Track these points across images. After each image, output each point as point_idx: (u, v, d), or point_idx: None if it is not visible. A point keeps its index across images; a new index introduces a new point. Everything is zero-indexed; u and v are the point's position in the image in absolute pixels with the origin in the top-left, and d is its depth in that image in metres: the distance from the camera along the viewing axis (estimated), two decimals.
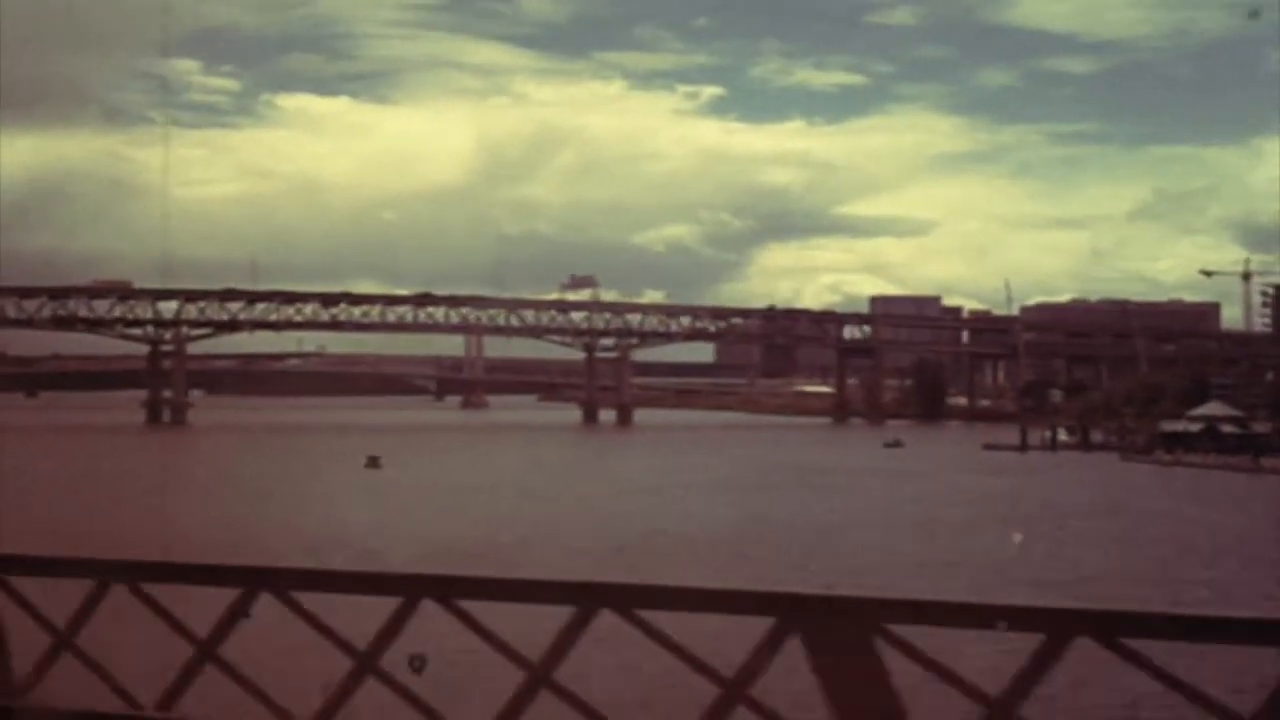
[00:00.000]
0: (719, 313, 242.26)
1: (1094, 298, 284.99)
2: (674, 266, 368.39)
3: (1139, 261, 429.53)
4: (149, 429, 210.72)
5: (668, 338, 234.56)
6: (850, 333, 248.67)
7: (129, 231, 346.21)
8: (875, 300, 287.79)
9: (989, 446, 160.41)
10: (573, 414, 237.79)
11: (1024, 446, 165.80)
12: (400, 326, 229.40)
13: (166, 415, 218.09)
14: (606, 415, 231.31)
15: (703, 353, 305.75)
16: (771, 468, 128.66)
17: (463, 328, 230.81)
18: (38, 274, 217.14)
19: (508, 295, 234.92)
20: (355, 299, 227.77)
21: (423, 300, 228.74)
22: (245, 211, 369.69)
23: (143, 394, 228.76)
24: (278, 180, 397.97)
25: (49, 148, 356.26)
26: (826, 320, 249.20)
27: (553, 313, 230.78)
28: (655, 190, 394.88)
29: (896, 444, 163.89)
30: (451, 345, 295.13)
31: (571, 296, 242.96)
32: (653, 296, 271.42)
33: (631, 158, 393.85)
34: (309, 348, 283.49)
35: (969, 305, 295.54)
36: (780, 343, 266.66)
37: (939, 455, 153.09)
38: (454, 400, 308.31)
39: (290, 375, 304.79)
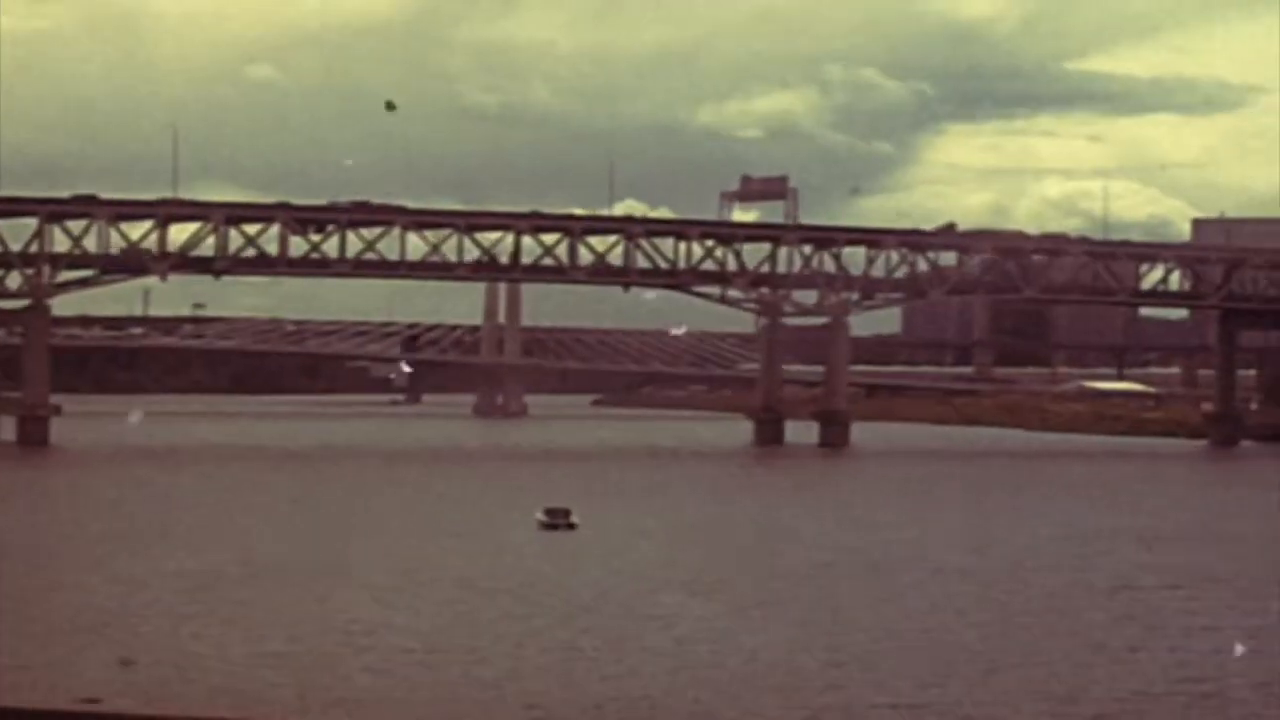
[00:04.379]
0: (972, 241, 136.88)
1: None
2: (776, 163, 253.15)
3: None
4: None
5: (917, 291, 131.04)
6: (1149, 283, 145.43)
7: None
8: (1201, 225, 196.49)
9: None
10: (720, 427, 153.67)
11: None
12: (478, 271, 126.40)
13: (9, 431, 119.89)
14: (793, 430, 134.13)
15: (881, 322, 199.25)
16: None
17: (553, 270, 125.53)
18: None
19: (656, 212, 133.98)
20: (379, 212, 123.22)
21: (492, 220, 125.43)
22: (24, 57, 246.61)
23: None
24: (78, 7, 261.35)
25: None
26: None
27: (710, 242, 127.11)
28: (740, 32, 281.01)
29: None
30: (420, 310, 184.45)
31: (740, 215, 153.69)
32: (740, 217, 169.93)
33: None
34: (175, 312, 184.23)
35: None
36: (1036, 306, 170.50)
37: None
38: (435, 399, 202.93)
39: (141, 355, 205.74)
